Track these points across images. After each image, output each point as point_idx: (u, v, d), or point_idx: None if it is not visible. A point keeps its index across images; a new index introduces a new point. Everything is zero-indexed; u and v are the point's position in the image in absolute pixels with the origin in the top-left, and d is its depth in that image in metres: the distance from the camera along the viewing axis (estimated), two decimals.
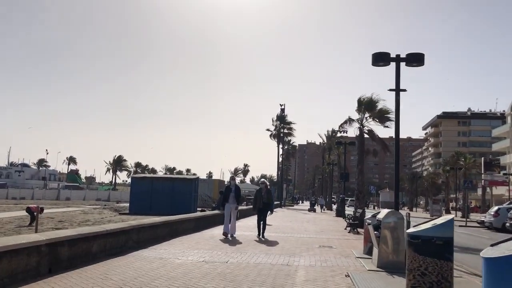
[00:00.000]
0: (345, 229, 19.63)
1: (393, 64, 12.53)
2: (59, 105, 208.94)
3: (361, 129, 22.87)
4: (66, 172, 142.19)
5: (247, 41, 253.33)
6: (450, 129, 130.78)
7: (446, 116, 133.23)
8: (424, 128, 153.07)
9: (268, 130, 66.52)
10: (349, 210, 32.61)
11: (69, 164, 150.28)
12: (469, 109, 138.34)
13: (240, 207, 17.27)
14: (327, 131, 58.37)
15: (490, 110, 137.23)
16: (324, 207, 54.87)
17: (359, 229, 18.23)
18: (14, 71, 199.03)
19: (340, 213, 33.02)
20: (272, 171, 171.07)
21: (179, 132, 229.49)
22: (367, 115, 22.84)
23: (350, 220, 18.27)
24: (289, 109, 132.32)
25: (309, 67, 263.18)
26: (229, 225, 13.99)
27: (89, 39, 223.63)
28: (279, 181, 66.23)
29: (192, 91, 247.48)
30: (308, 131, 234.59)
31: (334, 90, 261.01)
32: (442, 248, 6.40)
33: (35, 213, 19.64)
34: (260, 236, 14.16)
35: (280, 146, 64.52)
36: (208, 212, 20.02)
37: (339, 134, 22.94)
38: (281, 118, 64.33)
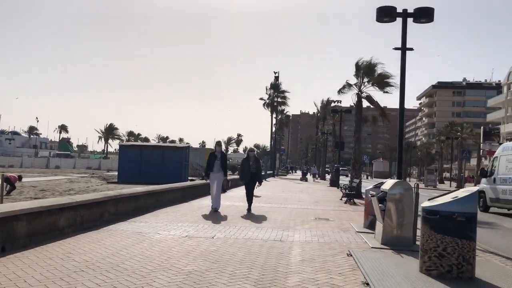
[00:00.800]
0: (341, 199, 18.79)
1: (397, 25, 11.41)
2: (51, 72, 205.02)
3: (359, 95, 21.72)
4: (58, 140, 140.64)
5: (240, 10, 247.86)
6: (445, 99, 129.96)
7: (440, 86, 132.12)
8: (419, 98, 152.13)
9: (261, 99, 65.15)
10: (343, 180, 31.85)
11: (60, 132, 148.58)
12: (464, 79, 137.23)
13: (230, 176, 16.27)
14: (322, 100, 57.13)
15: (486, 80, 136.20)
16: (316, 176, 54.95)
17: (355, 200, 17.38)
18: (2, 36, 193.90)
19: (335, 183, 32.22)
20: (265, 141, 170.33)
21: (172, 102, 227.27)
22: (365, 80, 21.65)
23: (346, 191, 17.37)
24: (283, 78, 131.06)
25: (304, 32, 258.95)
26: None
27: (80, 6, 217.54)
28: (272, 150, 65.34)
29: (185, 60, 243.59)
30: (303, 101, 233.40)
31: (331, 55, 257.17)
32: (464, 226, 5.44)
33: (15, 183, 18.64)
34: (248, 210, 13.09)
35: (274, 115, 63.31)
36: (197, 182, 19.02)
37: (337, 98, 21.69)
38: (275, 87, 62.91)
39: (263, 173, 44.74)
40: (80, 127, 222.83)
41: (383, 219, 7.83)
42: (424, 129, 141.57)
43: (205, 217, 11.02)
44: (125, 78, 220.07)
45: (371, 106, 22.22)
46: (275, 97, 63.16)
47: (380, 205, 7.92)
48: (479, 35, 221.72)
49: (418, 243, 6.67)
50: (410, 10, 11.31)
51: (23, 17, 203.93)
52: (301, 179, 45.44)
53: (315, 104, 60.90)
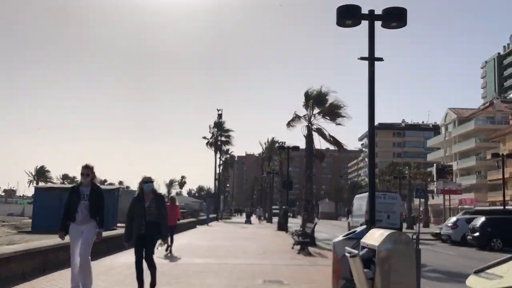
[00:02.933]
0: (293, 248, 15.90)
1: (361, 28, 9.15)
2: None
3: (309, 127, 19.38)
4: None
5: (180, 47, 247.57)
6: (386, 140, 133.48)
7: (381, 127, 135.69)
8: (360, 139, 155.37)
9: (204, 138, 62.11)
10: (292, 223, 29.11)
11: None
12: (403, 121, 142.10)
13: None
14: (267, 139, 55.09)
15: (423, 122, 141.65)
16: (262, 217, 52.94)
17: (310, 248, 14.55)
18: None
19: (283, 226, 29.36)
20: (209, 182, 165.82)
21: (111, 143, 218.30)
22: (316, 111, 19.42)
23: (300, 238, 14.49)
24: (227, 118, 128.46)
25: (247, 68, 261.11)
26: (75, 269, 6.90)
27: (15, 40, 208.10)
28: (216, 192, 61.92)
29: (124, 99, 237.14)
30: (248, 143, 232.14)
31: (276, 91, 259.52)
32: None
33: None
34: None
35: (218, 155, 60.31)
36: (111, 232, 15.01)
37: (283, 134, 19.15)
38: (219, 125, 60.29)
39: (204, 217, 41.58)
40: (10, 171, 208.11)
41: None
42: (366, 169, 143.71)
43: None
44: (58, 118, 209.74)
45: (322, 140, 19.86)
46: (219, 135, 60.42)
47: (366, 270, 5.07)
48: (415, 76, 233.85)
49: None
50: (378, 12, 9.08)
51: None
52: (245, 222, 43.96)
53: (260, 143, 59.08)
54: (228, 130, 62.82)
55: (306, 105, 19.36)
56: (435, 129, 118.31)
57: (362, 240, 5.65)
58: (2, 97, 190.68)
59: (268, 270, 10.23)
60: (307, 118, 19.56)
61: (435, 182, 50.73)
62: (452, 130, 79.14)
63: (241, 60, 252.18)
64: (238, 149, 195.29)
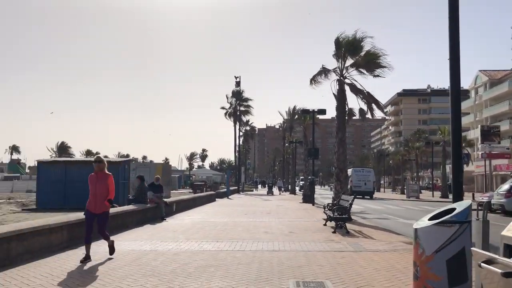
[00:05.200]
0: (325, 225, 13.20)
1: None
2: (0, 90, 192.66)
3: (341, 81, 16.27)
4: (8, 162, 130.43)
5: (193, 15, 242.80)
6: (411, 107, 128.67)
7: (406, 93, 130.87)
8: (384, 107, 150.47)
9: (223, 108, 59.37)
10: (317, 193, 26.38)
11: (12, 153, 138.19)
12: (428, 86, 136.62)
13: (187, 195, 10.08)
14: (288, 108, 51.71)
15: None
16: (282, 189, 52.82)
17: (348, 226, 11.80)
18: None
19: (309, 198, 26.68)
20: (231, 155, 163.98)
21: (134, 118, 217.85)
22: (348, 62, 16.28)
23: (335, 213, 11.70)
24: (245, 86, 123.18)
25: (266, 35, 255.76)
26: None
27: (29, 17, 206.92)
28: (237, 164, 59.46)
29: (144, 74, 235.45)
30: (268, 114, 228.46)
31: (298, 58, 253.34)
32: None
33: None
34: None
35: (238, 126, 57.56)
36: (119, 209, 12.81)
37: (313, 88, 15.96)
38: (237, 94, 57.25)
39: (224, 189, 39.19)
40: (34, 148, 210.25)
41: None
42: (391, 137, 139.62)
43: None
44: (79, 95, 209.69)
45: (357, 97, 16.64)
46: (238, 105, 57.51)
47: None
48: (441, 42, 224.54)
49: None
50: None
51: None
52: (267, 193, 44.33)
53: (280, 113, 55.72)
54: (247, 99, 59.87)
55: (336, 55, 16.20)
56: (462, 94, 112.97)
57: (503, 234, 2.78)
58: (23, 75, 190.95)
59: (300, 261, 7.50)
60: (338, 71, 16.44)
61: (479, 146, 46.59)
62: (483, 93, 74.63)
63: (258, 25, 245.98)
64: (258, 122, 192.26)
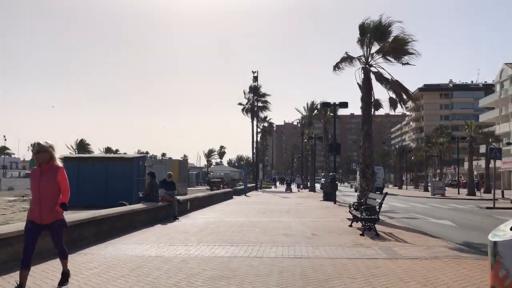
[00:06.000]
0: (351, 226, 12.04)
1: None
2: (21, 89, 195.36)
3: (366, 70, 15.02)
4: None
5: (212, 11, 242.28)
6: (432, 102, 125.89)
7: (427, 88, 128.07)
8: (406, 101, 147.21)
9: (240, 104, 58.33)
10: (339, 191, 25.14)
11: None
12: (450, 81, 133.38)
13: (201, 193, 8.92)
14: (307, 103, 50.32)
15: (472, 82, 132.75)
16: (301, 186, 52.74)
17: (377, 227, 10.61)
18: None
19: (330, 196, 25.47)
20: (249, 152, 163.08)
21: (153, 115, 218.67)
22: (374, 49, 15.02)
23: (363, 213, 10.51)
24: (263, 82, 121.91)
25: (288, 31, 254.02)
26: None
27: (55, 13, 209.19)
28: (254, 161, 58.39)
29: (163, 71, 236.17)
30: (285, 111, 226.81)
31: (315, 55, 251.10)
32: None
33: None
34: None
35: (255, 122, 56.45)
36: (106, 211, 11.21)
37: (336, 74, 14.71)
38: (255, 89, 56.17)
39: (242, 186, 38.18)
40: (55, 146, 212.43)
41: None
42: (412, 133, 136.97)
43: None
44: (98, 92, 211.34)
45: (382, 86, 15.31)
46: (255, 101, 56.43)
47: None
48: (463, 36, 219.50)
49: None
50: None
51: None
52: (286, 190, 44.51)
53: (297, 110, 54.53)
54: (264, 95, 58.68)
55: (361, 42, 14.95)
56: (486, 89, 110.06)
57: None
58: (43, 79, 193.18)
59: (327, 271, 6.38)
60: (362, 59, 15.19)
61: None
62: (509, 87, 72.12)
63: (276, 18, 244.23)
64: (276, 118, 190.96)
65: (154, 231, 11.14)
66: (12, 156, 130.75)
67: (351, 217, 13.54)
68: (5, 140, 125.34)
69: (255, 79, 52.82)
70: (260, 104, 57.95)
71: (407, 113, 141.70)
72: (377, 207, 10.44)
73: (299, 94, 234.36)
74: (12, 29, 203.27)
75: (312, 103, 48.97)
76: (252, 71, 52.69)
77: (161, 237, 10.03)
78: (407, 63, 14.23)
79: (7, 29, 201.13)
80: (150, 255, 7.73)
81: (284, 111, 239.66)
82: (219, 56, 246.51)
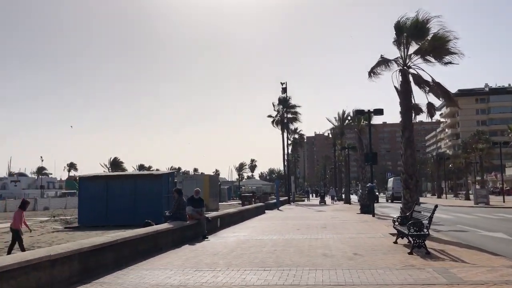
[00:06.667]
0: (395, 242, 10.88)
1: None
2: (58, 110, 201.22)
3: (404, 71, 13.87)
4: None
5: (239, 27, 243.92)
6: (468, 107, 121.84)
7: (462, 94, 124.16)
8: (439, 109, 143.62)
9: (270, 116, 57.58)
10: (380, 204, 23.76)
11: (69, 171, 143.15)
12: (486, 85, 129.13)
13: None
14: (338, 113, 48.99)
15: (509, 85, 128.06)
16: (335, 198, 51.72)
17: (427, 243, 9.41)
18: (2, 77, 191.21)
19: (368, 208, 24.16)
20: (280, 165, 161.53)
21: (183, 133, 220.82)
22: (412, 49, 13.88)
23: (411, 229, 9.33)
24: (292, 93, 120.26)
25: (312, 47, 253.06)
26: None
27: (82, 38, 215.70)
28: (285, 173, 57.23)
29: (191, 89, 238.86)
30: (316, 123, 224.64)
31: (346, 64, 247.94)
32: None
33: None
34: None
35: (285, 134, 55.43)
36: (128, 233, 10.41)
37: (372, 81, 13.64)
38: (284, 101, 55.32)
39: (274, 200, 37.09)
40: (90, 165, 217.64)
41: None
42: (447, 140, 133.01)
43: None
44: (127, 112, 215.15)
45: (420, 89, 14.11)
46: (285, 113, 55.53)
47: None
48: (499, 34, 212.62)
49: None
50: None
51: (23, 55, 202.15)
52: (320, 202, 43.60)
53: (328, 120, 53.13)
54: (294, 106, 57.79)
55: (397, 42, 13.84)
56: None
57: None
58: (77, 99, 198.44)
59: None
60: (400, 60, 14.06)
61: None
62: None
63: (303, 26, 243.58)
64: (306, 130, 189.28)
65: (181, 253, 10.31)
66: (50, 176, 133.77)
67: (394, 231, 12.39)
68: (42, 160, 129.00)
69: (284, 90, 51.97)
70: (290, 115, 57.08)
71: (442, 119, 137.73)
72: (427, 221, 9.27)
73: (330, 105, 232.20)
74: (50, 48, 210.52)
75: (343, 112, 47.71)
76: (281, 82, 51.85)
77: (187, 260, 9.18)
78: (450, 63, 13.03)
79: (46, 48, 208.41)
80: (173, 284, 6.87)
81: (314, 122, 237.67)
82: (248, 68, 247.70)
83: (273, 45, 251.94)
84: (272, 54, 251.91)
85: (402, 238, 10.76)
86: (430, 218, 9.30)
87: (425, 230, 9.20)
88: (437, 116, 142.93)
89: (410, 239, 9.50)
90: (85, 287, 6.77)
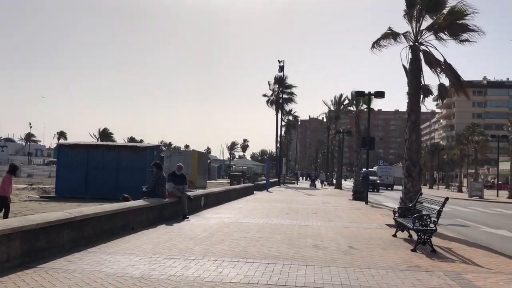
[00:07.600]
0: (394, 235, 9.77)
1: None
2: (53, 77, 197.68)
3: (414, 48, 12.56)
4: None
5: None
6: (464, 99, 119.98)
7: None
8: (435, 99, 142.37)
9: (264, 95, 56.04)
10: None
11: (59, 139, 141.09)
12: (484, 78, 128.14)
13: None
14: (334, 96, 47.52)
15: (508, 79, 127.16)
16: (325, 182, 51.17)
17: (434, 242, 8.28)
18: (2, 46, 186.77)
19: (360, 195, 23.12)
20: (272, 146, 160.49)
21: (177, 108, 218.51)
22: (425, 24, 12.56)
23: (416, 222, 8.17)
24: (289, 73, 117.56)
25: (311, 28, 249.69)
26: None
27: (83, 14, 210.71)
28: (277, 155, 56.09)
29: (187, 64, 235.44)
30: (311, 106, 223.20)
31: (343, 44, 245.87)
32: None
33: None
34: None
35: (280, 115, 54.01)
36: (92, 209, 8.96)
37: (374, 53, 12.29)
38: (280, 80, 53.73)
39: (264, 181, 36.00)
40: (81, 134, 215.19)
41: None
42: (442, 131, 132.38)
43: None
44: (122, 83, 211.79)
45: (432, 71, 12.85)
46: (280, 92, 54.02)
47: None
48: (498, 27, 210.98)
49: None
50: None
51: (21, 24, 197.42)
52: (310, 186, 43.55)
53: (324, 102, 51.58)
54: (290, 86, 56.21)
55: (408, 16, 12.47)
56: None
57: None
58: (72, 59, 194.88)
59: None
60: (410, 36, 12.72)
61: None
62: None
63: (302, 8, 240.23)
64: (301, 113, 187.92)
65: (154, 234, 9.12)
66: (38, 143, 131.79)
67: (391, 222, 11.32)
68: (31, 127, 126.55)
69: (281, 69, 50.27)
70: (285, 96, 55.54)
71: (437, 110, 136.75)
72: (435, 215, 8.12)
73: (325, 88, 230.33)
74: (50, 24, 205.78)
75: (340, 96, 46.21)
76: (278, 60, 50.06)
77: (158, 244, 7.99)
78: (467, 40, 11.75)
79: (45, 22, 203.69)
80: (133, 274, 5.67)
81: (309, 106, 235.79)
82: (245, 46, 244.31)
83: (272, 25, 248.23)
84: (271, 35, 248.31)
85: (403, 231, 9.67)
86: (439, 212, 8.15)
87: (432, 226, 8.04)
88: (432, 106, 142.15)
89: (414, 234, 8.37)
90: (25, 273, 5.55)
